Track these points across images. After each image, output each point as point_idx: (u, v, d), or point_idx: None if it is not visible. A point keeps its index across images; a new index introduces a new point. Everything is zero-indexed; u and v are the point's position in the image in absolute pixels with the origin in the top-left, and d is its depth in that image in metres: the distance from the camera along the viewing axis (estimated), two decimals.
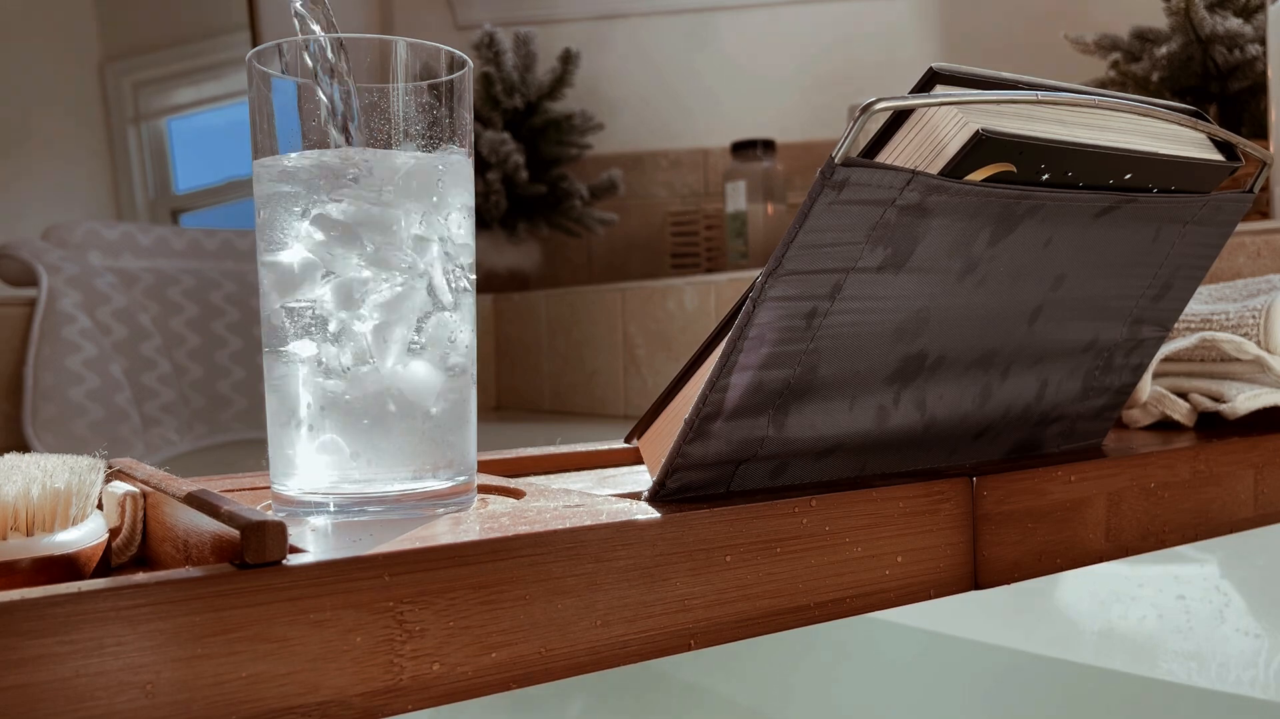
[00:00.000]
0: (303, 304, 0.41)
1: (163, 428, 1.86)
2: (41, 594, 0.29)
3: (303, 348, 0.41)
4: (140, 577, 0.31)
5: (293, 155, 0.41)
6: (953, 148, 0.42)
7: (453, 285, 0.43)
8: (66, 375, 1.74)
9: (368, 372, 0.41)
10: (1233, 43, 1.48)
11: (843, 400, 0.46)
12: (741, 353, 0.41)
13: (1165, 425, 0.68)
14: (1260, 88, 1.49)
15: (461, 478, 0.43)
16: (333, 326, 0.41)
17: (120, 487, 0.42)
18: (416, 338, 0.42)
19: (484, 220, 2.16)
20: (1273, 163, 0.60)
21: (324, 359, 0.41)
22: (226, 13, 2.64)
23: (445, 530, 0.38)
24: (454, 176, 0.43)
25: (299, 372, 0.41)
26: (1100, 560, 0.53)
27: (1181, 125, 0.51)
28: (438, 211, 0.42)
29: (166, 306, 1.92)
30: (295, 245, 0.41)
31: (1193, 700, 0.63)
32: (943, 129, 0.43)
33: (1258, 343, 0.66)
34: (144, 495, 0.42)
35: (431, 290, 0.42)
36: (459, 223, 0.43)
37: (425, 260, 0.42)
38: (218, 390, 1.96)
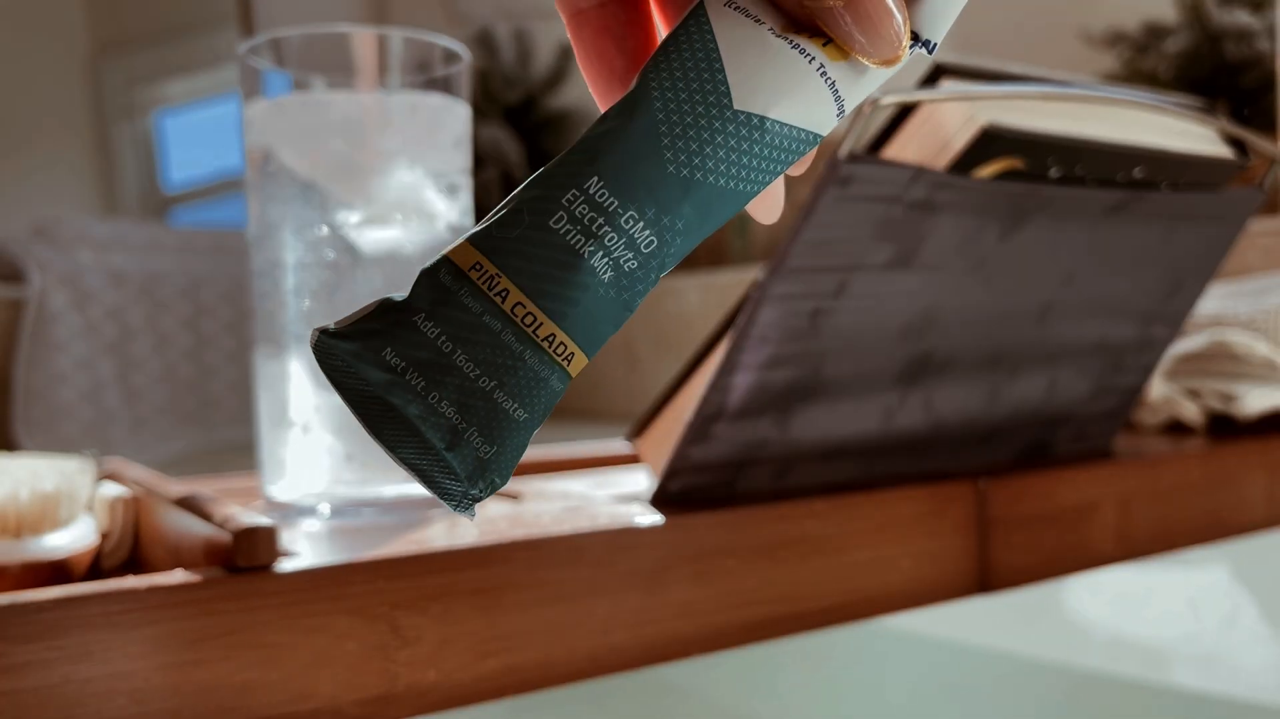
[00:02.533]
0: (296, 300, 0.40)
1: (153, 428, 1.85)
2: (28, 599, 0.29)
3: (296, 346, 0.40)
4: (129, 581, 0.30)
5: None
6: (959, 143, 0.41)
7: None
8: (56, 376, 1.73)
9: None
10: (1243, 37, 1.47)
11: (848, 401, 0.45)
12: (744, 352, 0.40)
13: (1176, 427, 0.68)
14: (1271, 84, 1.49)
15: None
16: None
17: (112, 489, 0.41)
18: None
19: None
20: None
21: None
22: (218, 7, 2.64)
23: (441, 534, 0.37)
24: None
25: (292, 370, 0.40)
26: (1110, 564, 0.52)
27: (1192, 121, 0.50)
28: (435, 219, 0.41)
29: (157, 305, 1.91)
30: (291, 242, 0.40)
31: (1205, 705, 0.62)
32: (949, 124, 0.42)
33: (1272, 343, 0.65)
34: (135, 498, 0.41)
35: None
36: (459, 222, 0.42)
37: (424, 259, 0.41)
38: (209, 390, 1.95)
